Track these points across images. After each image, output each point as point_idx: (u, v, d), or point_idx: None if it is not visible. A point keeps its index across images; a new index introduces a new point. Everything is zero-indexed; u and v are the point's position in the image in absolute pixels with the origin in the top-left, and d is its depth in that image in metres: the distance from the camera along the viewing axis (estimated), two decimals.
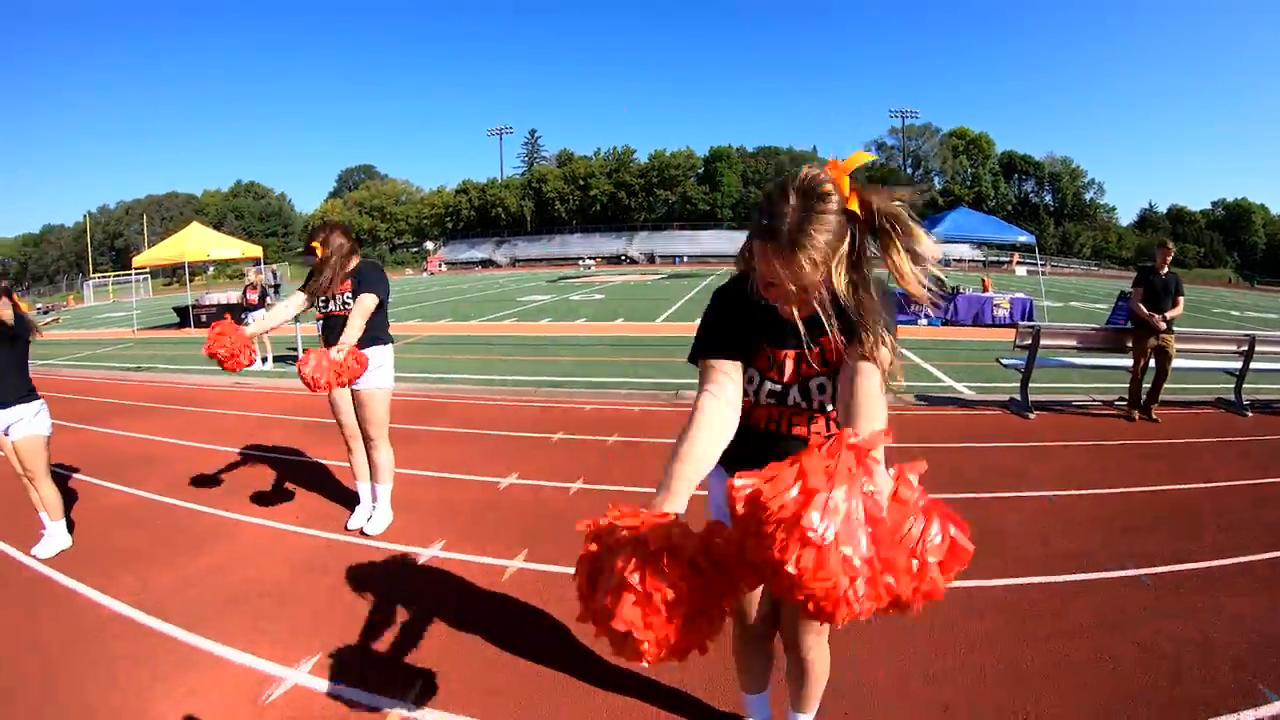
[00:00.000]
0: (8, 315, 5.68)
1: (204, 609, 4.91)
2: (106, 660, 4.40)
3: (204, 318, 28.68)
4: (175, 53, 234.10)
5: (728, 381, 2.27)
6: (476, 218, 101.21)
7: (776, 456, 2.34)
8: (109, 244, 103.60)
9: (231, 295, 31.67)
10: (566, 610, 4.63)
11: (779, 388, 2.42)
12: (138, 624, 4.81)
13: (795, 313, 2.17)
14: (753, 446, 2.45)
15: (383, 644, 4.40)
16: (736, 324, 2.40)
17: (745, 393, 2.42)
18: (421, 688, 3.93)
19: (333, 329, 5.63)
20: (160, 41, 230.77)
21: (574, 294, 36.47)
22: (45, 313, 57.30)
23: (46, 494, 6.01)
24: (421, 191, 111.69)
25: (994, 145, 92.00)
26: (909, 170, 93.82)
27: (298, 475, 7.73)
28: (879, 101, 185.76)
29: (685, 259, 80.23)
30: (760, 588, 2.74)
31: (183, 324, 29.59)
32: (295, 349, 16.24)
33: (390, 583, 5.15)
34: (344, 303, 5.60)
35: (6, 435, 5.88)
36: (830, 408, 2.41)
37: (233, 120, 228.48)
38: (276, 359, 16.50)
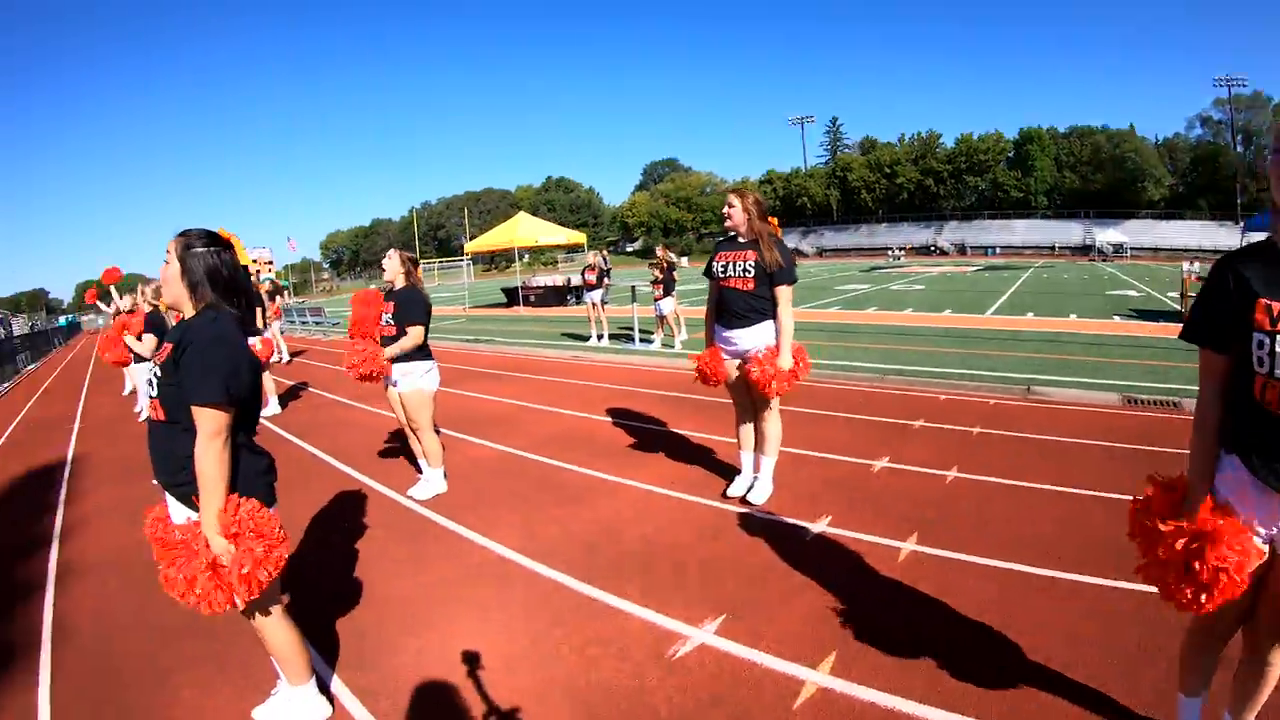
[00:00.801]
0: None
1: (593, 561, 4.93)
2: (499, 601, 4.50)
3: (531, 298, 30.58)
4: (489, 57, 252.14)
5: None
6: (782, 207, 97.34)
7: None
8: (431, 235, 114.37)
9: (555, 279, 33.39)
10: (967, 600, 4.14)
11: None
12: (526, 569, 4.90)
13: None
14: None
15: (786, 612, 4.13)
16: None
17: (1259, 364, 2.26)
18: (834, 660, 3.62)
19: (729, 300, 5.49)
20: (474, 48, 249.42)
21: (893, 284, 35.03)
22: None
23: (428, 444, 6.40)
24: (725, 182, 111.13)
25: None
26: (1237, 148, 79.32)
27: (662, 443, 7.75)
28: (1200, 69, 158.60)
29: (998, 250, 73.98)
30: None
31: (510, 303, 31.62)
32: (630, 330, 16.66)
33: (784, 553, 4.89)
34: (744, 270, 5.42)
35: (394, 387, 6.24)
36: None
37: (545, 120, 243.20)
38: (611, 337, 17.10)
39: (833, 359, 12.72)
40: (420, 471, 6.70)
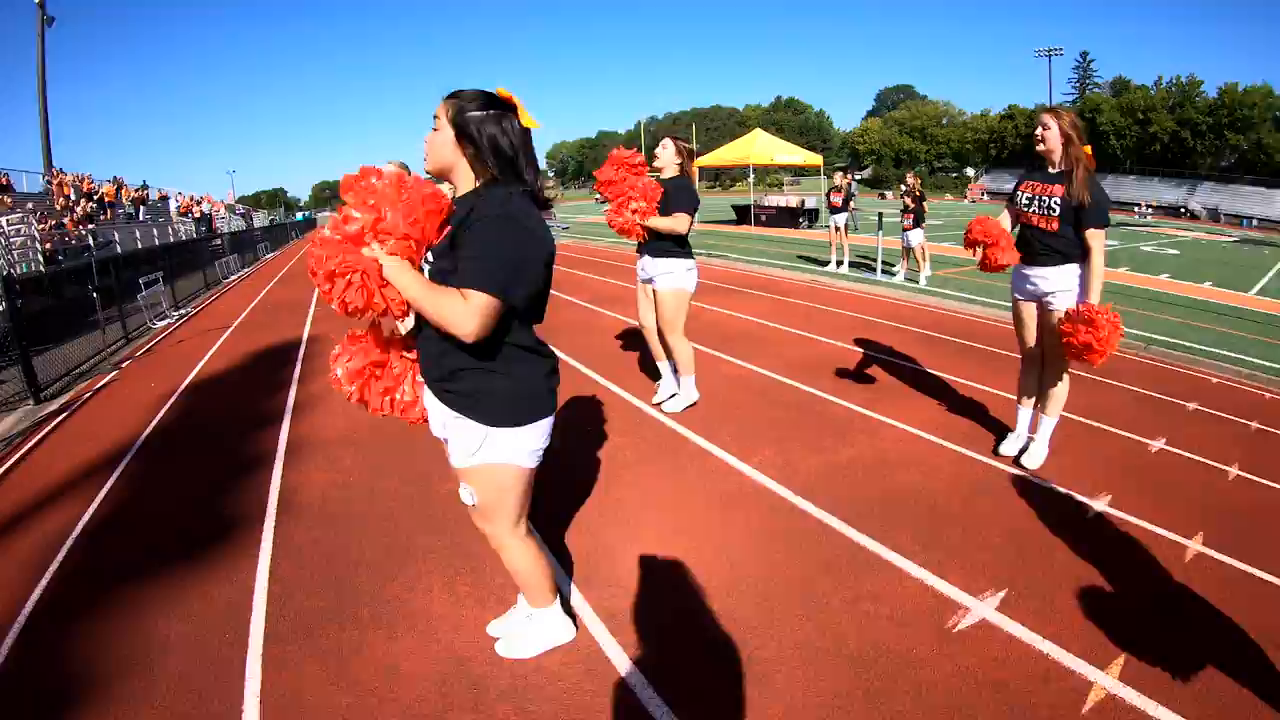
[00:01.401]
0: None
1: (859, 504, 4.55)
2: (761, 535, 4.22)
3: (764, 217, 30.16)
4: None
5: None
6: (1022, 146, 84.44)
7: None
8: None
9: (789, 199, 32.66)
10: (1259, 623, 3.44)
11: None
12: (789, 503, 4.59)
13: None
14: None
15: (1071, 598, 3.62)
16: None
17: None
18: (1123, 664, 3.12)
19: (1029, 238, 4.91)
20: None
21: (1143, 244, 31.37)
22: (602, 202, 64.90)
23: (680, 349, 6.07)
24: (964, 114, 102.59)
25: None
26: None
27: (920, 383, 7.22)
28: None
29: (1255, 223, 61.10)
30: None
31: (740, 221, 31.30)
32: (872, 259, 15.94)
33: (1063, 529, 4.33)
34: (1049, 206, 4.76)
35: (651, 284, 5.98)
36: None
37: (774, 38, 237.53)
38: (851, 264, 16.32)
39: None
40: (657, 380, 6.53)
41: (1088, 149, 4.78)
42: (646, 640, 3.31)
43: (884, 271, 15.31)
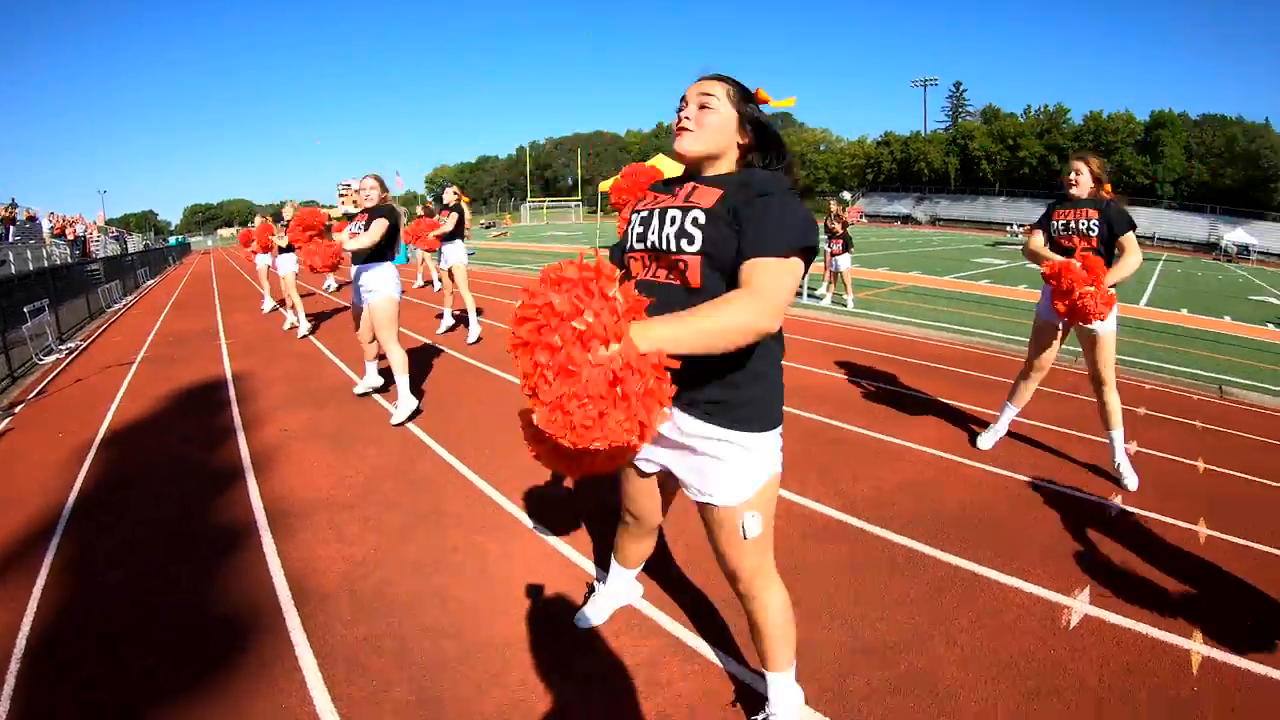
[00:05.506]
0: None
1: (933, 526, 4.76)
2: (857, 565, 4.37)
3: None
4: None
5: None
6: (898, 171, 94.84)
7: None
8: (539, 174, 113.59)
9: None
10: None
11: None
12: (866, 532, 4.70)
13: None
14: None
15: (1141, 584, 4.14)
16: None
17: None
18: (1201, 633, 3.68)
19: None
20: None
21: (1029, 263, 32.41)
22: (488, 228, 64.77)
23: None
24: (842, 141, 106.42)
25: None
26: None
27: (912, 406, 7.59)
28: None
29: None
30: None
31: None
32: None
33: (1102, 528, 4.85)
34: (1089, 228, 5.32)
35: None
36: None
37: (651, 67, 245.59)
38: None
39: (1009, 333, 12.45)
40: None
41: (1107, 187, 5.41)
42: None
43: (810, 295, 15.89)
